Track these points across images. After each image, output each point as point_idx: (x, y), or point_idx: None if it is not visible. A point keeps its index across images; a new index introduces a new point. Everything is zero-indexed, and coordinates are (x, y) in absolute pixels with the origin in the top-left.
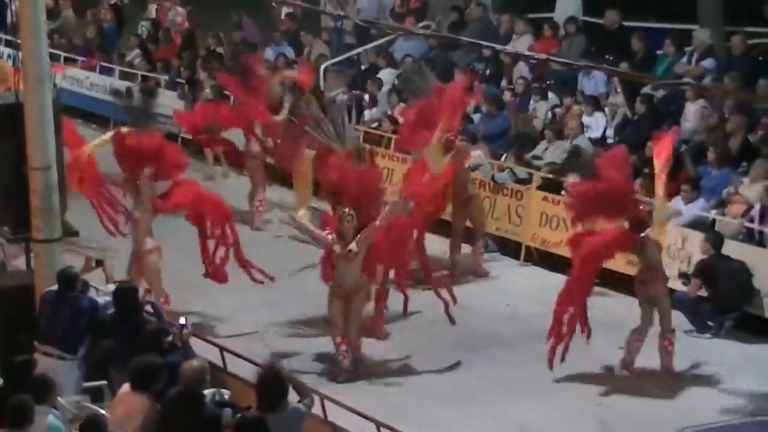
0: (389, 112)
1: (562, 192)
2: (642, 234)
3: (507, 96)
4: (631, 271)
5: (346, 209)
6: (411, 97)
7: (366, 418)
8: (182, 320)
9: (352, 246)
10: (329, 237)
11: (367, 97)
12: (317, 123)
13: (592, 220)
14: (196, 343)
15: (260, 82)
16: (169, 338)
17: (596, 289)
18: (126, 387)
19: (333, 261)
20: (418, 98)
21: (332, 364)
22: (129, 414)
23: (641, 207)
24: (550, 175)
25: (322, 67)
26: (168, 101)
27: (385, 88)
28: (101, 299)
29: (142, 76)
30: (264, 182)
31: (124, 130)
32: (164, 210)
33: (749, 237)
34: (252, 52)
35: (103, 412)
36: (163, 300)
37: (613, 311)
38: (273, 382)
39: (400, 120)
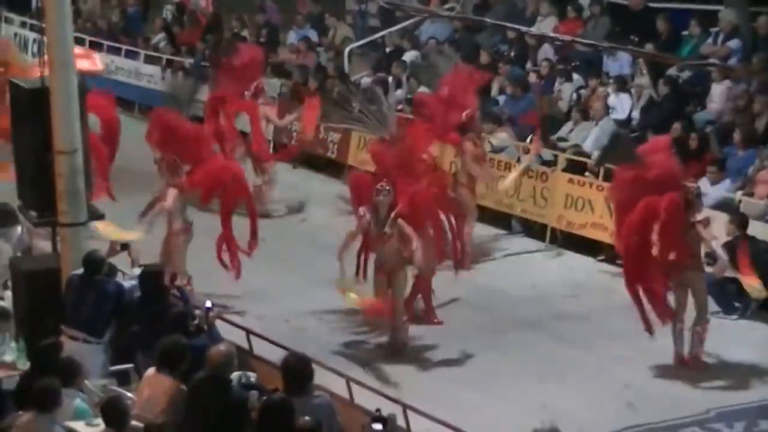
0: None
1: (587, 174)
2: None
3: (532, 78)
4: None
5: (383, 183)
6: (428, 81)
7: (393, 400)
8: (208, 303)
9: (387, 229)
10: (364, 217)
11: (391, 79)
12: (355, 117)
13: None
14: (222, 326)
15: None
16: (195, 321)
17: (620, 270)
18: (152, 370)
19: (371, 242)
20: (434, 82)
21: (358, 347)
22: (154, 395)
23: (690, 190)
24: (576, 157)
25: (347, 50)
26: None
27: (407, 72)
28: (127, 283)
29: (167, 59)
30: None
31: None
32: (189, 188)
33: None
34: (275, 34)
35: (129, 395)
36: (185, 282)
37: None
38: (298, 366)
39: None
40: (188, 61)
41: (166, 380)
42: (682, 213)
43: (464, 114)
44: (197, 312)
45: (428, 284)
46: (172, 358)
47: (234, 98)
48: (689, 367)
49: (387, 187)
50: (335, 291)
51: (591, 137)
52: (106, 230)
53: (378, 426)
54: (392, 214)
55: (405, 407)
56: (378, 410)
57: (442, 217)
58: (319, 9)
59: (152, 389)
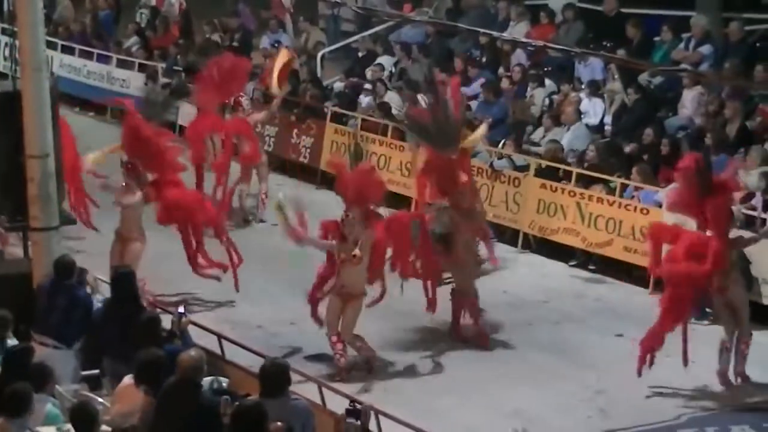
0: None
1: (561, 179)
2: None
3: (505, 83)
4: (628, 257)
5: (348, 212)
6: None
7: (360, 403)
8: (181, 309)
9: (356, 251)
10: (331, 242)
11: (365, 84)
12: (420, 125)
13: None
14: (194, 331)
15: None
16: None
17: (592, 276)
18: (127, 380)
19: (337, 264)
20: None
21: (330, 362)
22: (128, 408)
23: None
24: (550, 162)
25: (319, 55)
26: None
27: (385, 75)
28: (96, 302)
29: (140, 64)
30: (267, 174)
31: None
32: (157, 200)
33: (747, 224)
34: (248, 38)
35: (101, 400)
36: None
37: (607, 298)
38: (277, 371)
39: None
40: (161, 66)
41: (141, 394)
42: (724, 261)
43: None
44: (171, 317)
45: (474, 304)
46: (150, 373)
47: (221, 124)
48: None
49: (352, 215)
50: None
51: (564, 142)
52: None
53: (352, 419)
54: (364, 238)
55: (377, 413)
56: (353, 403)
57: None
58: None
59: (128, 402)
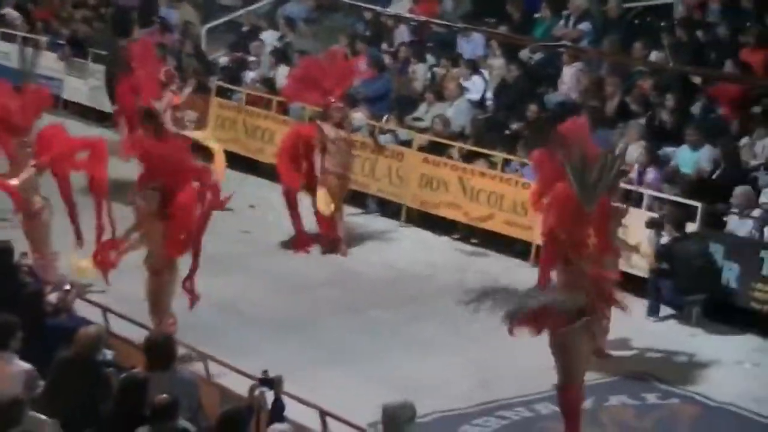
0: (270, 75)
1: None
2: None
3: (387, 59)
4: (509, 231)
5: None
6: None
7: (250, 377)
8: (67, 286)
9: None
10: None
11: (251, 59)
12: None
13: None
14: (79, 305)
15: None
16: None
17: (475, 249)
18: None
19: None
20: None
21: (216, 326)
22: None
23: None
24: (433, 137)
25: (204, 30)
26: (50, 63)
27: (267, 50)
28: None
29: (23, 37)
30: None
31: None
32: (43, 166)
33: (625, 197)
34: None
35: None
36: (51, 259)
37: (489, 271)
38: (162, 343)
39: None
40: (44, 39)
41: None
42: None
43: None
44: (56, 293)
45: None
46: (3, 337)
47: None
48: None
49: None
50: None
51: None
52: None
53: (265, 388)
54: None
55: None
56: (265, 372)
57: None
58: None
59: None
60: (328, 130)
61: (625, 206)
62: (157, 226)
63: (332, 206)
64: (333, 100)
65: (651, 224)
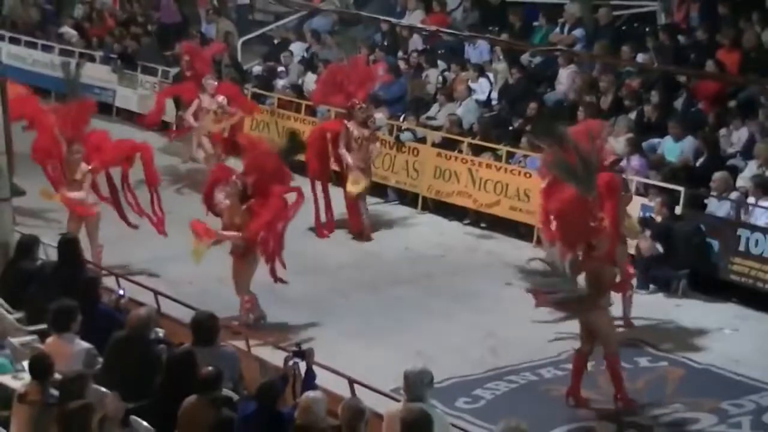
0: (298, 82)
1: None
2: None
3: (402, 65)
4: (513, 216)
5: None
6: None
7: (283, 349)
8: (120, 291)
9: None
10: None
11: (281, 68)
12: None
13: None
14: (132, 287)
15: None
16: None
17: (483, 232)
18: (49, 340)
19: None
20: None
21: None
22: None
23: None
24: (444, 134)
25: (239, 43)
26: (103, 75)
27: (296, 59)
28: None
29: (80, 52)
30: None
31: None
32: (97, 168)
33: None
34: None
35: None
36: (98, 250)
37: (497, 252)
38: (207, 321)
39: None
40: (98, 54)
41: (62, 342)
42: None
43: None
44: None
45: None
46: (64, 319)
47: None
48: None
49: (237, 181)
50: None
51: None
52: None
53: (298, 359)
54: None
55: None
56: (298, 345)
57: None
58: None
59: (61, 359)
60: (353, 128)
61: (629, 194)
62: (240, 215)
63: (361, 185)
64: (357, 102)
65: (643, 222)
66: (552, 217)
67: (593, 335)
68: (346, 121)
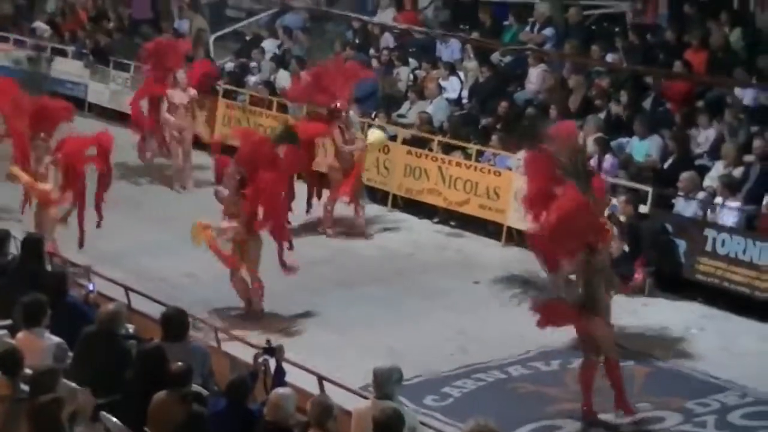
0: (270, 78)
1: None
2: None
3: (374, 62)
4: (483, 214)
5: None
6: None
7: (252, 346)
8: (90, 286)
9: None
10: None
11: (253, 64)
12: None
13: None
14: (102, 283)
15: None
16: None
17: (453, 231)
18: (20, 335)
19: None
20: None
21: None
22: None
23: None
24: (414, 132)
25: (211, 39)
26: (76, 69)
27: (268, 56)
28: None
29: (52, 47)
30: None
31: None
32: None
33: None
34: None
35: None
36: (52, 244)
37: (466, 250)
38: (176, 316)
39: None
40: (70, 48)
41: (40, 342)
42: None
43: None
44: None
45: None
46: (34, 314)
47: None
48: None
49: (235, 170)
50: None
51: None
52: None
53: (268, 356)
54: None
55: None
56: (268, 341)
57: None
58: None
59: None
60: (336, 133)
61: (608, 197)
62: (238, 204)
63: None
64: (340, 106)
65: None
66: (550, 226)
67: (593, 343)
68: (333, 127)
